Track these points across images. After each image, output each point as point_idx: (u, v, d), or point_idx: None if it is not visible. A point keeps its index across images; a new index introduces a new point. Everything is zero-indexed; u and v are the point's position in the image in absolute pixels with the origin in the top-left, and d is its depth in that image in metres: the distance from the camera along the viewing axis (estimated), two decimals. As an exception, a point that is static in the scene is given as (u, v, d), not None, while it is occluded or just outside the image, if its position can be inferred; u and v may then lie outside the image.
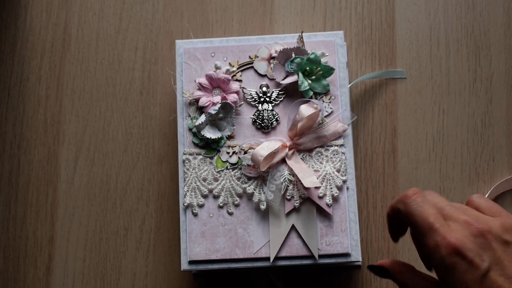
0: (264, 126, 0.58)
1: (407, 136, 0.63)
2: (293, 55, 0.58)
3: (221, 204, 0.57)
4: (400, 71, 0.64)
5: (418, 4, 0.65)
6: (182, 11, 0.66)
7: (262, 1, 0.66)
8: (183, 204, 0.57)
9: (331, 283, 0.61)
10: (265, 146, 0.56)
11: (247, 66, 0.59)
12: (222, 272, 0.60)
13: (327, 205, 0.56)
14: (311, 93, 0.58)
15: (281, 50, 0.58)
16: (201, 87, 0.59)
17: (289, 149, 0.57)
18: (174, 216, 0.63)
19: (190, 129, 0.58)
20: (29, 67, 0.66)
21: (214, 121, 0.58)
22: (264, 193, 0.56)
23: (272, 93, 0.59)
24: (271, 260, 0.56)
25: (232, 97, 0.58)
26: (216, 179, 0.58)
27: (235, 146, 0.58)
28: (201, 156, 0.58)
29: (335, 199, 0.56)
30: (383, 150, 0.63)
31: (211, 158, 0.58)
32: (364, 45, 0.64)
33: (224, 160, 0.58)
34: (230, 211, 0.57)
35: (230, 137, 0.58)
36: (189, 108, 0.59)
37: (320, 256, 0.56)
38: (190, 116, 0.58)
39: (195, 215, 0.57)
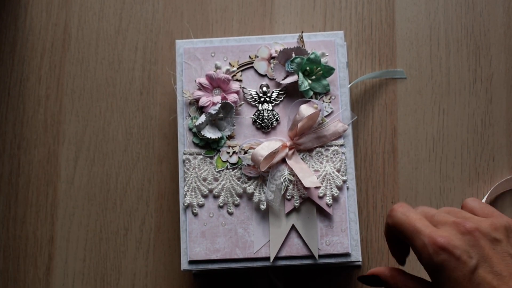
0: (264, 126, 0.58)
1: (407, 136, 0.63)
2: (293, 55, 0.58)
3: (221, 204, 0.57)
4: (400, 71, 0.64)
5: (418, 4, 0.65)
6: (182, 11, 0.66)
7: (262, 1, 0.66)
8: (183, 204, 0.57)
9: (331, 283, 0.61)
10: (265, 146, 0.56)
11: (247, 66, 0.59)
12: (222, 272, 0.60)
13: (327, 205, 0.56)
14: (311, 93, 0.58)
15: (281, 50, 0.58)
16: (201, 87, 0.59)
17: (289, 149, 0.57)
18: (174, 216, 0.63)
19: (190, 129, 0.58)
20: (29, 67, 0.66)
21: (214, 121, 0.58)
22: (264, 193, 0.56)
23: (272, 93, 0.59)
24: (271, 260, 0.56)
25: (232, 97, 0.58)
26: (216, 179, 0.58)
27: (235, 146, 0.58)
28: (201, 156, 0.58)
29: (335, 199, 0.56)
30: (383, 150, 0.63)
31: (211, 158, 0.58)
32: (364, 45, 0.64)
33: (224, 160, 0.58)
34: (230, 211, 0.57)
35: (230, 137, 0.58)
36: (189, 108, 0.59)
37: (320, 256, 0.56)
38: (190, 116, 0.58)
39: (195, 215, 0.57)
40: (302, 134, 0.57)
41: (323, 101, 0.58)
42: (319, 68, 0.58)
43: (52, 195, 0.64)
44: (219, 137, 0.58)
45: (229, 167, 0.58)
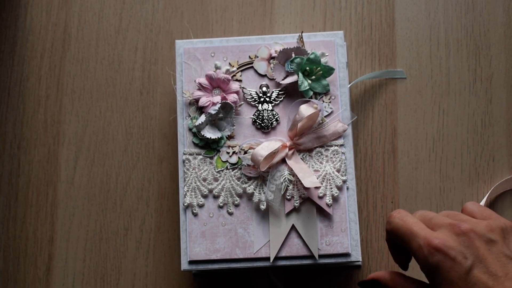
0: (264, 126, 0.58)
1: (407, 136, 0.63)
2: (293, 55, 0.58)
3: (221, 204, 0.57)
4: (400, 71, 0.64)
5: (418, 4, 0.65)
6: (182, 11, 0.66)
7: (262, 1, 0.66)
8: (183, 204, 0.57)
9: (331, 283, 0.61)
10: (265, 146, 0.56)
11: (247, 66, 0.59)
12: (222, 272, 0.60)
13: (327, 205, 0.56)
14: (311, 93, 0.58)
15: (281, 50, 0.58)
16: (201, 87, 0.59)
17: (289, 149, 0.57)
18: (174, 216, 0.63)
19: (190, 129, 0.58)
20: (29, 67, 0.66)
21: (214, 121, 0.58)
22: (264, 193, 0.56)
23: (272, 93, 0.59)
24: (271, 260, 0.56)
25: (232, 97, 0.58)
26: (216, 179, 0.58)
27: (235, 146, 0.58)
28: (201, 156, 0.58)
29: (335, 199, 0.56)
30: (383, 150, 0.63)
31: (211, 158, 0.58)
32: (364, 45, 0.64)
33: (224, 160, 0.58)
34: (230, 211, 0.57)
35: (230, 137, 0.58)
36: (189, 108, 0.59)
37: (320, 256, 0.56)
38: (190, 116, 0.58)
39: (195, 215, 0.57)
40: (302, 134, 0.57)
41: (323, 101, 0.58)
42: (319, 68, 0.58)
43: (52, 195, 0.64)
44: (219, 137, 0.58)
45: (229, 167, 0.58)
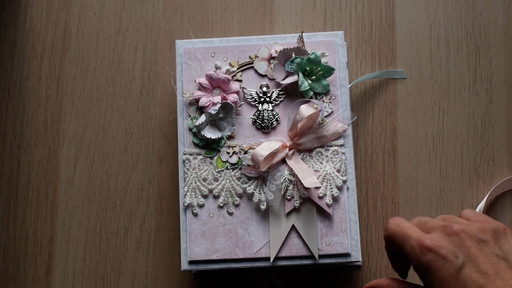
0: (264, 126, 0.58)
1: (407, 136, 0.63)
2: (293, 55, 0.58)
3: (221, 204, 0.57)
4: (400, 71, 0.64)
5: (418, 4, 0.65)
6: (182, 11, 0.66)
7: (262, 1, 0.66)
8: (183, 204, 0.57)
9: (331, 283, 0.61)
10: (265, 146, 0.56)
11: (247, 66, 0.59)
12: (222, 272, 0.60)
13: (327, 205, 0.56)
14: (311, 93, 0.58)
15: (281, 50, 0.58)
16: (201, 87, 0.59)
17: (289, 149, 0.57)
18: (174, 216, 0.63)
19: (190, 129, 0.58)
20: (29, 67, 0.66)
21: (214, 121, 0.58)
22: (264, 193, 0.57)
23: (272, 93, 0.59)
24: (271, 260, 0.56)
25: (232, 97, 0.58)
26: (216, 179, 0.58)
27: (235, 146, 0.58)
28: (201, 156, 0.58)
29: (335, 199, 0.56)
30: (383, 150, 0.63)
31: (211, 158, 0.58)
32: (364, 45, 0.64)
33: (224, 160, 0.58)
34: (230, 211, 0.57)
35: (230, 137, 0.58)
36: (189, 108, 0.59)
37: (320, 256, 0.56)
38: (190, 116, 0.58)
39: (195, 215, 0.57)
40: (302, 134, 0.57)
41: (323, 101, 0.58)
42: (319, 68, 0.58)
43: (52, 195, 0.64)
44: (219, 137, 0.58)
45: (229, 167, 0.58)
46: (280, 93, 0.59)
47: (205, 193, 0.57)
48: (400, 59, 0.64)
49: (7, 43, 0.67)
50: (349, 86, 0.60)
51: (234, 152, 0.58)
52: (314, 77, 0.58)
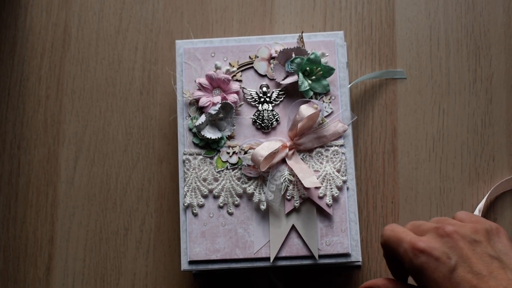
0: (264, 126, 0.58)
1: (407, 136, 0.63)
2: (293, 55, 0.58)
3: (221, 204, 0.57)
4: (400, 71, 0.64)
5: (418, 4, 0.65)
6: (182, 11, 0.66)
7: (262, 1, 0.66)
8: (183, 204, 0.57)
9: (331, 283, 0.61)
10: (265, 146, 0.56)
11: (247, 66, 0.59)
12: (222, 272, 0.60)
13: (327, 205, 0.56)
14: (311, 93, 0.58)
15: (281, 50, 0.58)
16: (201, 87, 0.59)
17: (289, 149, 0.57)
18: (174, 216, 0.63)
19: (190, 129, 0.58)
20: (29, 67, 0.66)
21: (214, 121, 0.58)
22: (264, 193, 0.57)
23: (272, 93, 0.59)
24: (271, 260, 0.56)
25: (232, 97, 0.58)
26: (216, 179, 0.58)
27: (235, 146, 0.58)
28: (201, 156, 0.58)
29: (335, 199, 0.56)
30: (383, 150, 0.63)
31: (211, 158, 0.58)
32: (364, 45, 0.64)
33: (224, 160, 0.58)
34: (230, 211, 0.57)
35: (230, 137, 0.58)
36: (189, 108, 0.59)
37: (320, 256, 0.56)
38: (190, 116, 0.58)
39: (195, 215, 0.57)
40: (302, 134, 0.57)
41: (323, 101, 0.58)
42: (319, 68, 0.58)
43: (52, 195, 0.64)
44: (219, 137, 0.58)
45: (229, 167, 0.58)
46: (280, 93, 0.59)
47: (205, 193, 0.57)
48: (400, 59, 0.64)
49: (7, 43, 0.67)
50: (349, 86, 0.60)
51: (234, 152, 0.58)
52: (314, 77, 0.58)
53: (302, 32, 0.59)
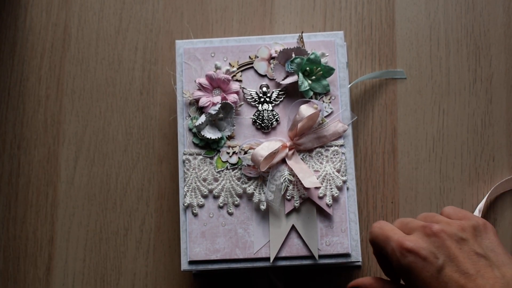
0: (264, 126, 0.58)
1: (407, 136, 0.63)
2: (293, 55, 0.58)
3: (221, 204, 0.57)
4: (400, 71, 0.64)
5: (418, 4, 0.65)
6: (182, 11, 0.66)
7: (262, 1, 0.66)
8: (183, 204, 0.57)
9: (331, 283, 0.61)
10: (265, 146, 0.56)
11: (247, 66, 0.59)
12: (222, 272, 0.60)
13: (327, 205, 0.56)
14: (311, 93, 0.58)
15: (281, 50, 0.58)
16: (201, 87, 0.59)
17: (289, 149, 0.57)
18: (174, 216, 0.63)
19: (190, 129, 0.58)
20: (29, 67, 0.66)
21: (214, 121, 0.58)
22: (264, 193, 0.57)
23: (272, 93, 0.59)
24: (271, 260, 0.56)
25: (232, 97, 0.58)
26: (216, 179, 0.58)
27: (235, 146, 0.58)
28: (201, 156, 0.58)
29: (335, 199, 0.56)
30: (383, 150, 0.63)
31: (211, 158, 0.58)
32: (364, 45, 0.64)
33: (224, 160, 0.58)
34: (230, 211, 0.57)
35: (230, 137, 0.58)
36: (189, 108, 0.59)
37: (320, 256, 0.56)
38: (190, 116, 0.58)
39: (195, 215, 0.57)
40: (302, 135, 0.57)
41: (323, 101, 0.58)
42: (319, 68, 0.58)
43: (52, 195, 0.64)
44: (219, 137, 0.58)
45: (229, 168, 0.58)
46: (280, 93, 0.59)
47: (205, 193, 0.57)
48: (400, 59, 0.64)
49: (7, 43, 0.67)
50: (349, 86, 0.60)
51: (234, 152, 0.58)
52: (314, 77, 0.58)
53: (302, 32, 0.59)
